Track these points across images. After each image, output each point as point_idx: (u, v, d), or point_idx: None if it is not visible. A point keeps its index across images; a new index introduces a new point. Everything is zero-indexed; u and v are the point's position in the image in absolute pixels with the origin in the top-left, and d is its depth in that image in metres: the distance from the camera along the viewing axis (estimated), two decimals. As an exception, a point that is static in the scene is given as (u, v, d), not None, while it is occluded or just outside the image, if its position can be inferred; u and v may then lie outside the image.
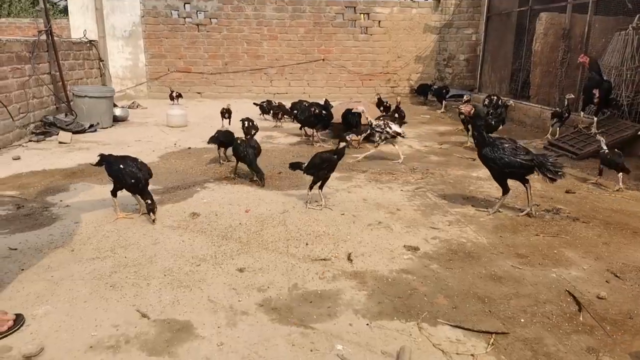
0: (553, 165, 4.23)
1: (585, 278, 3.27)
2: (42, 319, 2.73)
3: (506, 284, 3.18)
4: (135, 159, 4.34)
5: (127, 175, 4.14)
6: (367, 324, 2.70)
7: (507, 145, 4.33)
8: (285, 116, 9.56)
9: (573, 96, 7.58)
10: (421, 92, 12.75)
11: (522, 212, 4.45)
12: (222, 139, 6.20)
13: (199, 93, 13.46)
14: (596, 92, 6.84)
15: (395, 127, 6.35)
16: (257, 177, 5.35)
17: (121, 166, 4.18)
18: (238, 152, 5.44)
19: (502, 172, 4.36)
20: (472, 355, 2.44)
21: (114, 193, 4.28)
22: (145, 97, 12.98)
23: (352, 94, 13.45)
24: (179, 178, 5.63)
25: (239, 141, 5.50)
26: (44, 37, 8.21)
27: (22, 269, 3.31)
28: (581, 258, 3.59)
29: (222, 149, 6.35)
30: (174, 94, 11.63)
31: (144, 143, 7.61)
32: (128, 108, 10.39)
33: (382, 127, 6.34)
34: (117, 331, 2.62)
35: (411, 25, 13.38)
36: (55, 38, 8.50)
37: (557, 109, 7.77)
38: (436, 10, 13.31)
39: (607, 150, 5.33)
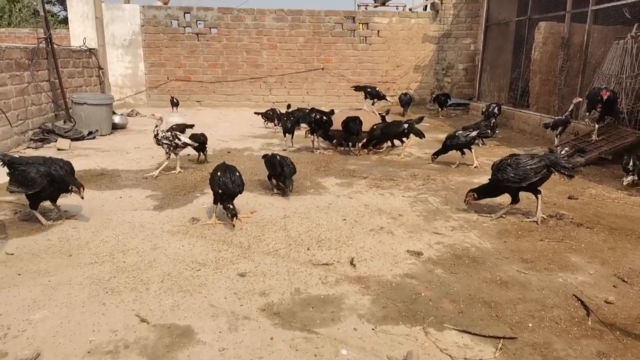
0: (567, 161, 4.21)
1: (592, 283, 3.22)
2: (38, 324, 2.66)
3: (512, 288, 3.13)
4: (234, 172, 4.26)
5: (217, 184, 4.13)
6: (372, 329, 2.64)
7: (510, 161, 4.30)
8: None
9: (580, 99, 7.57)
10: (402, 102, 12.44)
11: (528, 218, 4.41)
12: (202, 139, 6.46)
13: (198, 102, 13.46)
14: (599, 107, 6.78)
15: (184, 139, 5.91)
16: (284, 185, 5.10)
17: (218, 174, 4.17)
18: (275, 167, 5.13)
19: (520, 187, 4.29)
20: (480, 360, 2.38)
21: (215, 201, 4.25)
22: (144, 106, 12.96)
23: (351, 102, 13.43)
24: (179, 184, 5.57)
25: (277, 157, 5.17)
26: (43, 44, 8.20)
27: (19, 274, 3.24)
28: (587, 263, 3.54)
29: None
30: (174, 100, 11.57)
31: (143, 150, 7.57)
32: (127, 116, 10.37)
33: (171, 139, 5.80)
34: (116, 336, 2.56)
35: (410, 35, 13.44)
36: (54, 46, 8.49)
37: (561, 116, 7.74)
38: (435, 20, 13.40)
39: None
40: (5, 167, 4.13)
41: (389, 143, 7.89)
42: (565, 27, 8.94)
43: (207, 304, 2.90)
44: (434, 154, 6.71)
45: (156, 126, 5.81)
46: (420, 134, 7.15)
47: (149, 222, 4.28)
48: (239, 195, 4.29)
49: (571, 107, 7.49)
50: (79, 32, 11.20)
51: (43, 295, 2.96)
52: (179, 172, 5.98)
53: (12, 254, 3.55)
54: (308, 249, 3.73)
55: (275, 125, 9.65)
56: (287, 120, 7.67)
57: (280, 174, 5.05)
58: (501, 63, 11.63)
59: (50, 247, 3.71)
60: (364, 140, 7.51)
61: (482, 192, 4.50)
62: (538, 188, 4.32)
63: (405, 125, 7.12)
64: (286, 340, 2.54)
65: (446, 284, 3.16)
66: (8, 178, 4.14)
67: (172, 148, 5.83)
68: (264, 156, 5.43)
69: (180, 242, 3.84)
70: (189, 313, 2.80)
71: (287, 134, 7.68)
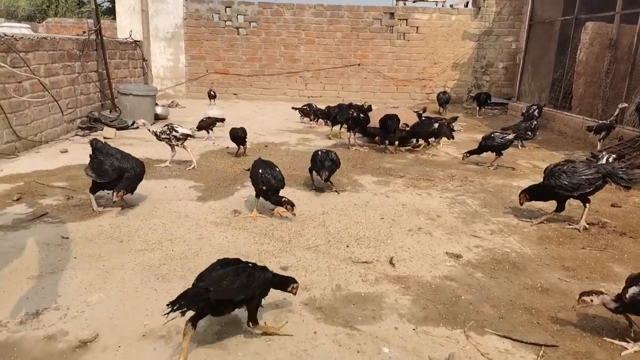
0: (625, 172, 4.11)
1: (637, 294, 3.16)
2: (95, 306, 2.83)
3: (553, 296, 3.12)
4: (274, 167, 4.39)
5: (260, 181, 4.25)
6: (413, 329, 2.69)
7: (565, 168, 4.19)
8: (320, 119, 9.70)
9: (626, 104, 7.37)
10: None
11: (570, 225, 4.34)
12: (241, 134, 6.61)
13: (235, 94, 13.68)
14: None
15: (182, 130, 5.77)
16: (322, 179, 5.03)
17: (260, 171, 4.28)
18: (315, 162, 5.12)
19: (571, 196, 4.22)
20: (521, 366, 2.41)
21: (257, 195, 4.38)
22: (183, 97, 13.27)
23: (387, 99, 13.42)
24: (220, 176, 5.73)
25: (319, 153, 5.13)
26: (93, 36, 8.52)
27: (75, 257, 3.45)
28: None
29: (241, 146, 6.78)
30: (212, 92, 11.85)
31: (184, 141, 7.77)
32: (167, 107, 10.65)
33: (168, 132, 5.72)
34: (169, 322, 2.69)
35: (449, 32, 13.26)
36: (103, 38, 8.81)
37: (605, 120, 7.53)
38: (476, 17, 13.16)
39: None
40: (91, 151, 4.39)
41: (422, 141, 7.85)
42: (614, 28, 8.65)
43: (251, 296, 3.01)
44: (466, 152, 6.66)
45: (148, 129, 5.83)
46: (449, 135, 7.13)
47: (193, 213, 4.44)
48: (282, 189, 4.39)
49: (617, 112, 7.28)
50: (126, 25, 11.55)
51: (98, 279, 3.14)
52: (193, 167, 5.95)
53: (67, 238, 3.77)
54: (347, 246, 3.81)
55: (310, 120, 9.75)
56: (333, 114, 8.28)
57: (320, 169, 5.05)
58: (544, 63, 11.34)
59: (102, 232, 3.91)
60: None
61: (534, 193, 4.43)
62: (588, 197, 4.24)
63: (436, 125, 7.11)
64: (329, 335, 2.63)
65: (486, 289, 3.17)
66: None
67: (172, 141, 5.79)
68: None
69: (224, 234, 3.98)
70: (235, 303, 2.91)
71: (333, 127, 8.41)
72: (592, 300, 2.61)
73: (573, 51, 9.78)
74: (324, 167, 4.99)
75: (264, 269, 2.58)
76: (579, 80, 9.50)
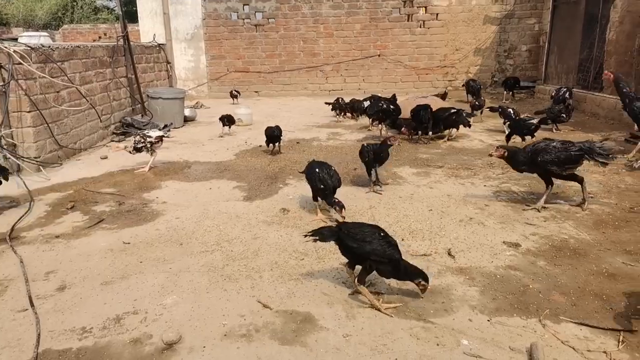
0: (601, 149, 4.17)
1: None
2: (172, 308, 2.91)
3: (621, 281, 3.10)
4: (329, 166, 4.45)
5: (318, 179, 4.29)
6: (488, 320, 2.70)
7: (553, 145, 4.27)
8: (347, 113, 9.72)
9: None
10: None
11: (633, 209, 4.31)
12: (277, 133, 6.72)
13: (256, 92, 13.73)
14: None
15: (154, 133, 6.00)
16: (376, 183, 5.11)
17: (317, 170, 4.34)
18: (363, 157, 5.13)
19: (563, 171, 4.27)
20: (604, 352, 2.41)
21: (314, 197, 4.43)
22: (205, 97, 13.37)
23: (408, 88, 13.33)
24: (260, 175, 5.79)
25: (365, 144, 5.16)
26: (121, 42, 8.63)
27: (141, 262, 3.53)
28: (696, 255, 3.43)
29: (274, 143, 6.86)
30: (234, 92, 11.97)
31: (216, 141, 7.87)
32: (193, 108, 10.74)
33: (143, 140, 5.89)
34: (245, 320, 2.76)
35: (470, 17, 13.09)
36: (130, 43, 8.91)
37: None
38: (497, 1, 12.96)
39: None
40: None
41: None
42: (645, 4, 8.45)
43: (319, 292, 3.06)
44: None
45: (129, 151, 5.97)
46: (467, 123, 7.32)
47: (243, 213, 4.50)
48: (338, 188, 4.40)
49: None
50: (148, 28, 11.67)
51: (168, 282, 3.22)
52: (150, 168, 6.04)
53: (128, 243, 3.86)
54: (402, 240, 3.82)
55: (337, 114, 9.75)
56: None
57: (366, 162, 5.04)
58: (570, 44, 11.12)
59: (160, 236, 3.99)
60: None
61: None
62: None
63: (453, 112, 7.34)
64: (405, 329, 2.66)
65: (552, 277, 3.16)
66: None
67: (150, 146, 5.92)
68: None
69: (278, 232, 4.03)
70: (305, 300, 2.96)
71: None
72: None
73: (602, 30, 9.58)
74: (368, 159, 5.00)
75: (395, 247, 2.86)
76: (609, 59, 9.30)
